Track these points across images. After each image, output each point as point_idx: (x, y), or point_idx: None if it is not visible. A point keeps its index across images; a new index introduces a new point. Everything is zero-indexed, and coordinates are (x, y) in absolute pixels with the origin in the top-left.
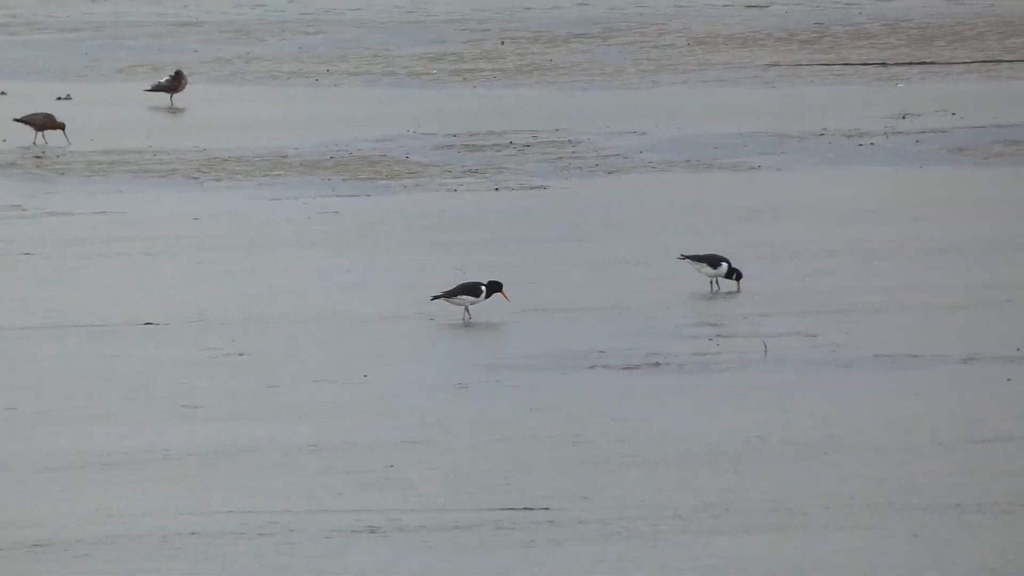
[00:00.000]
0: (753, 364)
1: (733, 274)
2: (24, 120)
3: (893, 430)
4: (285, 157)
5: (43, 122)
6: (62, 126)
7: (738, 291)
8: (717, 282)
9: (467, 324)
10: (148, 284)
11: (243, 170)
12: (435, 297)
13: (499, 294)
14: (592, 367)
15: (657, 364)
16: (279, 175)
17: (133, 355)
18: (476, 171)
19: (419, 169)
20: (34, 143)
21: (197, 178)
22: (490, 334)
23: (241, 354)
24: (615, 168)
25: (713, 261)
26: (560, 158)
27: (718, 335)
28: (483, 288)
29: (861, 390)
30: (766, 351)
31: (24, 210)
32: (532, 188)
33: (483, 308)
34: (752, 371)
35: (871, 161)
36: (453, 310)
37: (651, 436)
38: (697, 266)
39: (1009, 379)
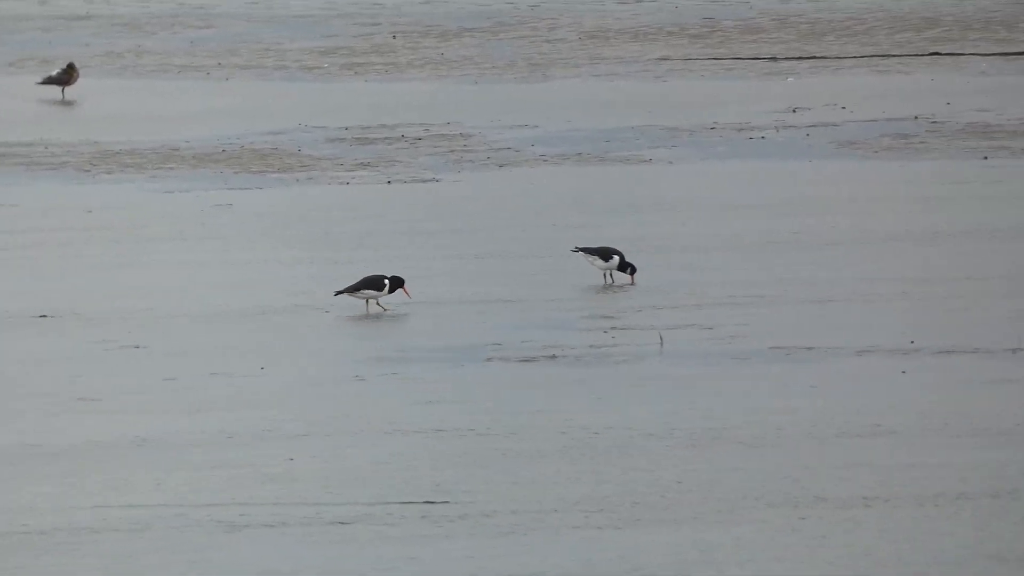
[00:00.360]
0: (649, 356)
1: (627, 268)
2: None
3: (788, 422)
4: (177, 150)
5: None
6: None
7: (632, 284)
8: (611, 275)
9: (369, 315)
10: (40, 277)
11: (135, 163)
12: (338, 292)
13: (401, 290)
14: (488, 360)
15: (553, 356)
16: (171, 168)
17: (26, 348)
18: (368, 164)
19: (311, 162)
20: None
21: (89, 171)
22: (387, 327)
23: (137, 347)
24: (507, 161)
25: (605, 254)
26: (452, 151)
27: (614, 327)
28: (386, 282)
29: (757, 382)
30: (662, 343)
31: None
32: (424, 181)
33: (380, 302)
34: (648, 363)
35: (762, 154)
36: (356, 304)
37: (546, 429)
38: (590, 259)
39: (903, 372)
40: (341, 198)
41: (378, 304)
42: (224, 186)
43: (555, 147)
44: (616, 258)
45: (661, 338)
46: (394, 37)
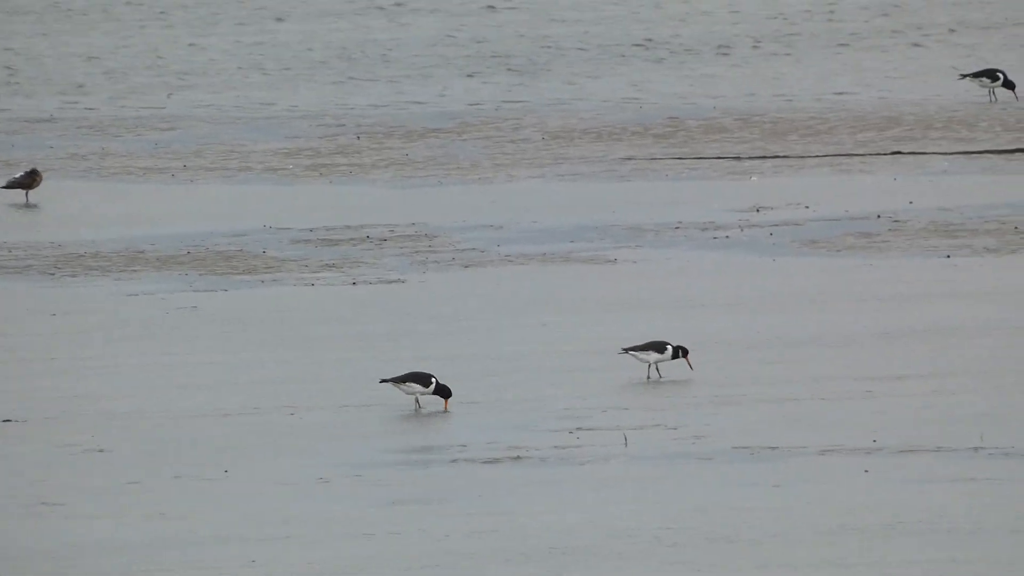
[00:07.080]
0: (614, 457)
1: (678, 352)
2: None
3: (752, 522)
4: (142, 252)
5: None
6: None
7: (691, 368)
8: (657, 368)
9: (417, 412)
10: (4, 381)
11: (99, 266)
12: (384, 380)
13: (444, 401)
14: (454, 461)
15: (519, 458)
16: (136, 270)
17: None
18: (333, 265)
19: (276, 264)
20: None
21: (53, 274)
22: (351, 428)
23: (101, 450)
24: (472, 262)
25: (659, 347)
26: (417, 252)
27: (579, 428)
28: (432, 381)
29: (721, 482)
30: (626, 444)
31: None
32: (390, 282)
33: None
34: (613, 464)
35: (726, 254)
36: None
37: (511, 530)
38: (643, 355)
39: (866, 471)
40: (306, 300)
41: (417, 402)
42: (189, 288)
43: (520, 247)
44: (669, 349)
45: (625, 438)
46: (358, 138)
